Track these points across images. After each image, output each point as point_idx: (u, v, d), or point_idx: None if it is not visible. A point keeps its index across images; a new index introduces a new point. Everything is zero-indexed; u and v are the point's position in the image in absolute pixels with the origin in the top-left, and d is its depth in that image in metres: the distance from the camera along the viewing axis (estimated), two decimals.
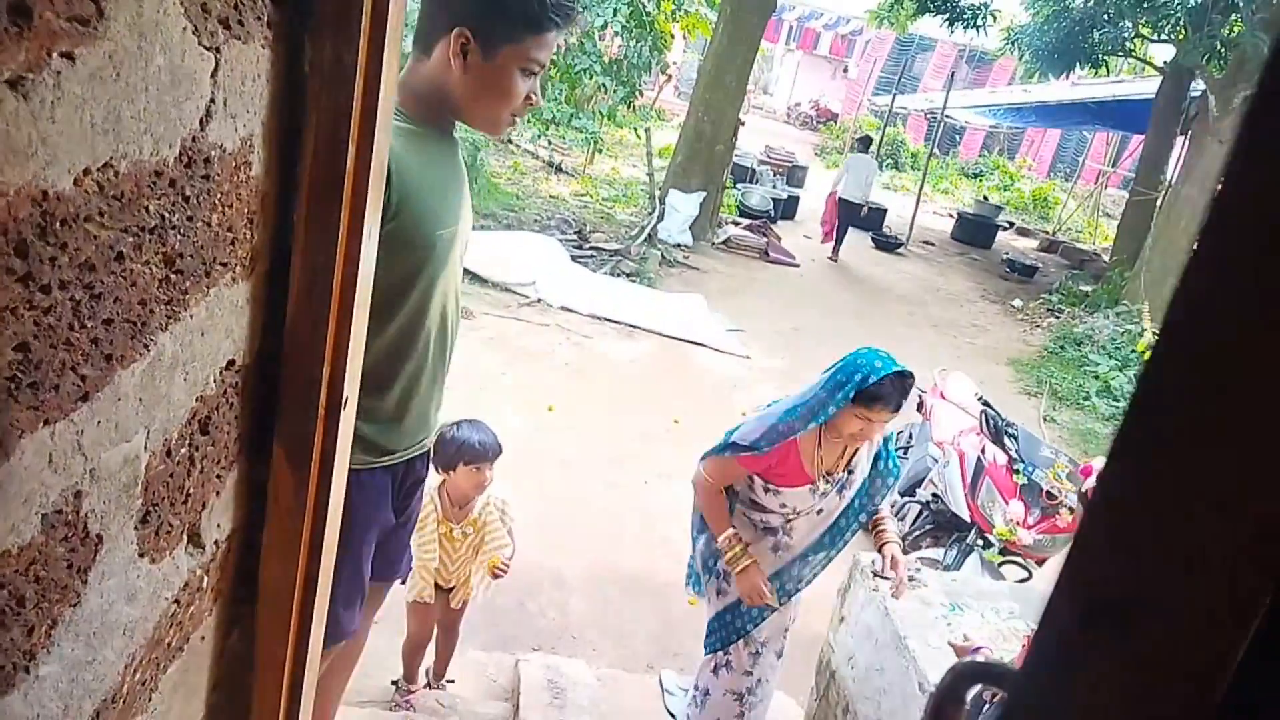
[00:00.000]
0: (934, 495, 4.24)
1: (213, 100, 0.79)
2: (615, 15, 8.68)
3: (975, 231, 15.00)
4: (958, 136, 24.77)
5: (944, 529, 4.15)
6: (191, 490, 0.94)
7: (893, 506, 4.07)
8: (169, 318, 0.81)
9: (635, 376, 6.45)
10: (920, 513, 4.31)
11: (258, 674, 1.18)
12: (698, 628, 3.83)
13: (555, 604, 3.79)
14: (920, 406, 4.97)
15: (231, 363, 0.97)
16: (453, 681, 3.05)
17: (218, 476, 1.01)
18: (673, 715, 3.21)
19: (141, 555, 0.84)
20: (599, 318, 7.27)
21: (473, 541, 2.70)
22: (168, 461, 0.87)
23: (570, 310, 7.28)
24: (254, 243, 0.96)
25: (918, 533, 4.24)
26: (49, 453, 0.63)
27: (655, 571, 4.16)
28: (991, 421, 4.12)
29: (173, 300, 0.81)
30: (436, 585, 2.76)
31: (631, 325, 7.28)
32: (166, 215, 0.76)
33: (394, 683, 2.95)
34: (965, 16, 12.37)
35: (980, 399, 4.59)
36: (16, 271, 0.55)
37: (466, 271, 7.23)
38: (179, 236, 0.79)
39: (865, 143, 12.39)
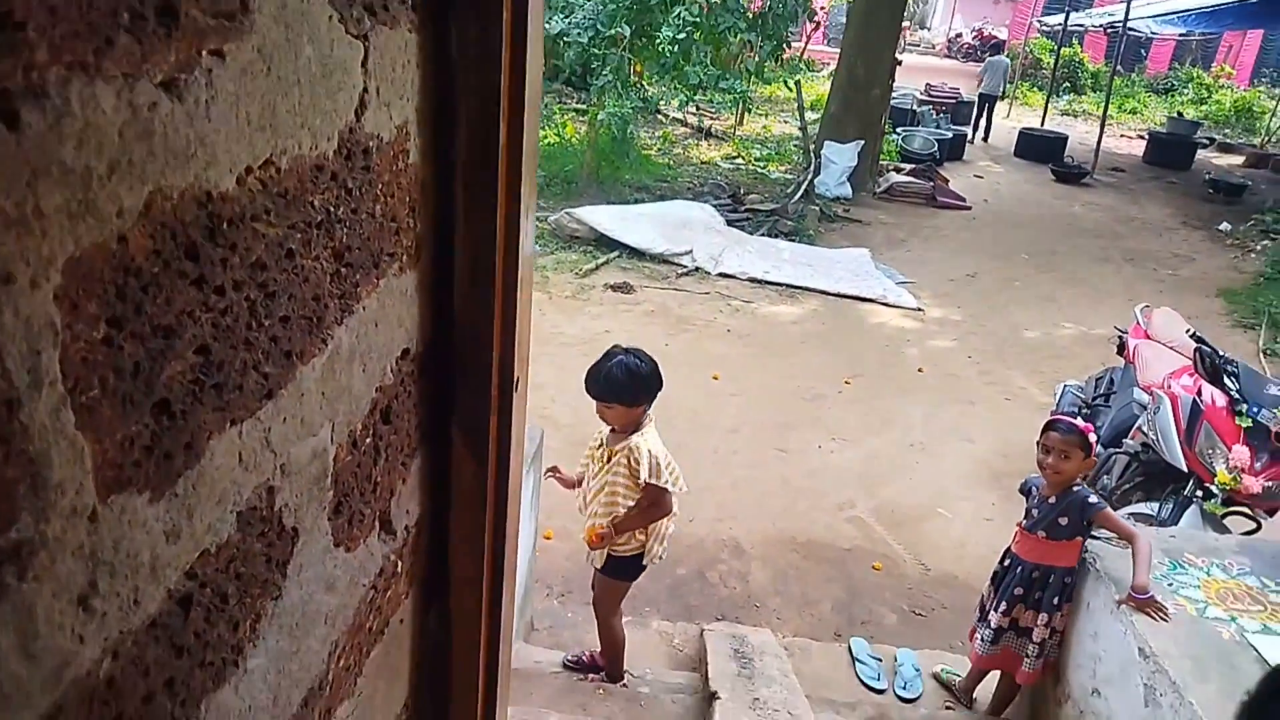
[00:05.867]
0: (1144, 445, 3.87)
1: (365, 90, 0.79)
2: None
3: (1170, 152, 13.67)
4: (1143, 51, 22.50)
5: (1156, 481, 3.78)
6: (379, 479, 0.96)
7: (1098, 458, 3.73)
8: (343, 311, 0.81)
9: (801, 338, 6.30)
10: (1129, 465, 3.94)
11: (455, 655, 1.21)
12: (885, 595, 3.71)
13: (735, 573, 3.76)
14: (1121, 349, 4.55)
15: (406, 351, 0.98)
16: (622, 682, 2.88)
17: (403, 464, 1.02)
18: (865, 684, 3.12)
19: (337, 545, 0.86)
20: (759, 281, 7.13)
21: (601, 475, 2.56)
22: (354, 452, 0.88)
23: (729, 276, 7.18)
24: (417, 230, 0.95)
25: (1127, 486, 3.89)
26: (239, 451, 0.64)
27: (836, 538, 4.06)
28: (1208, 359, 3.70)
29: (345, 294, 0.81)
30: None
31: (793, 286, 7.10)
32: (331, 209, 0.76)
33: (565, 664, 2.93)
34: None
35: (1193, 335, 4.13)
36: (189, 275, 0.55)
37: (623, 246, 7.29)
38: (345, 230, 0.79)
39: (997, 48, 16.80)
